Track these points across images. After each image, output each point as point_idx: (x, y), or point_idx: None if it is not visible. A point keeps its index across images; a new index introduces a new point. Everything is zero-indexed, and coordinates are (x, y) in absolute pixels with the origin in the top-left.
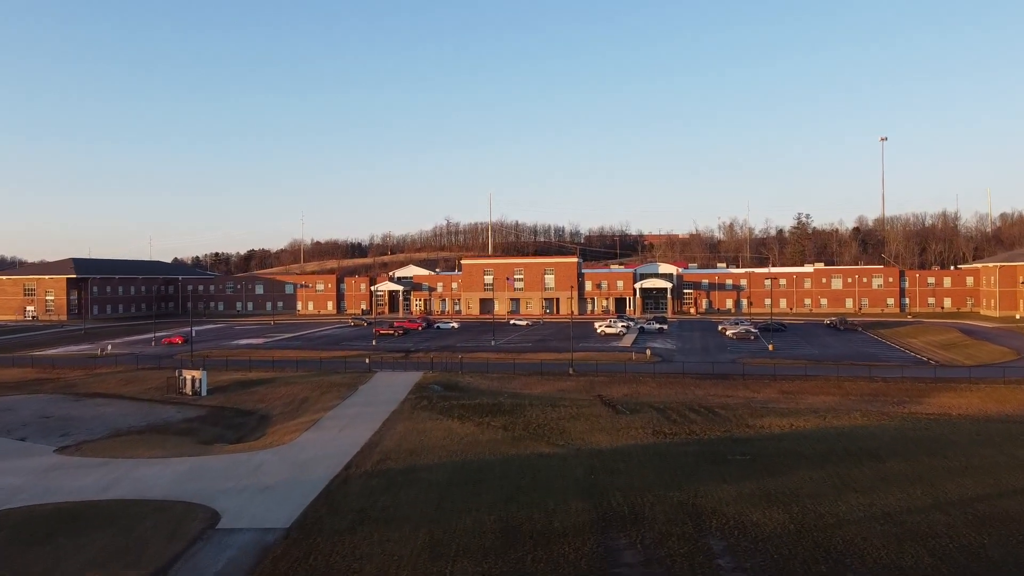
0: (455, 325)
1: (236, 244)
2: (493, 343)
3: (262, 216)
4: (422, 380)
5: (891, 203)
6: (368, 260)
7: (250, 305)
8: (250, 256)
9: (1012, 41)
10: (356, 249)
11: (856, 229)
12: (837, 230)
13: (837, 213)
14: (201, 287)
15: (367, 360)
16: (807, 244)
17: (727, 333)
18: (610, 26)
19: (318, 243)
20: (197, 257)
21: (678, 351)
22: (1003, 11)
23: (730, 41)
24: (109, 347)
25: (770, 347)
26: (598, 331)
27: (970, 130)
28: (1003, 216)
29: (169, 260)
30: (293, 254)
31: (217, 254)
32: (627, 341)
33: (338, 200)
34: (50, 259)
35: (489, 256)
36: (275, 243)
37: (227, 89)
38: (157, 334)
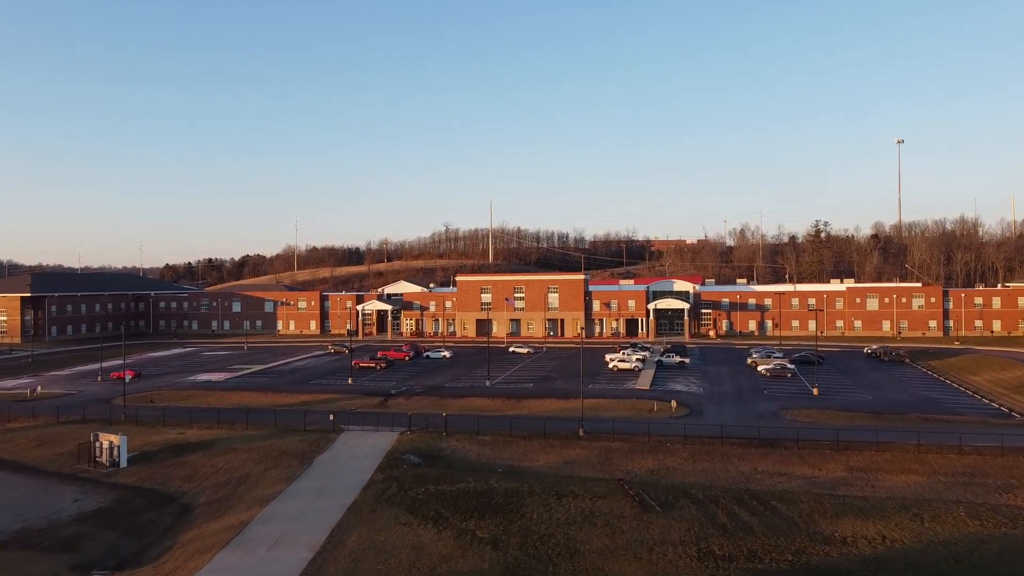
0: (447, 354)
1: (230, 250)
2: (488, 383)
3: (258, 221)
4: (396, 446)
5: (907, 208)
6: (362, 268)
7: (226, 324)
8: (244, 263)
9: None
10: (353, 255)
11: (875, 236)
12: (853, 237)
13: (852, 218)
14: (174, 304)
15: (332, 416)
16: (825, 253)
17: (759, 369)
18: (613, 27)
19: (314, 248)
20: (190, 263)
21: (706, 396)
22: (1015, 12)
23: (737, 41)
24: (39, 388)
25: (814, 391)
26: (610, 365)
27: (989, 133)
28: None
29: (161, 266)
30: (287, 260)
31: (211, 260)
32: (644, 380)
33: (336, 205)
34: (45, 264)
35: (487, 273)
36: (271, 248)
37: (220, 92)
38: (104, 364)
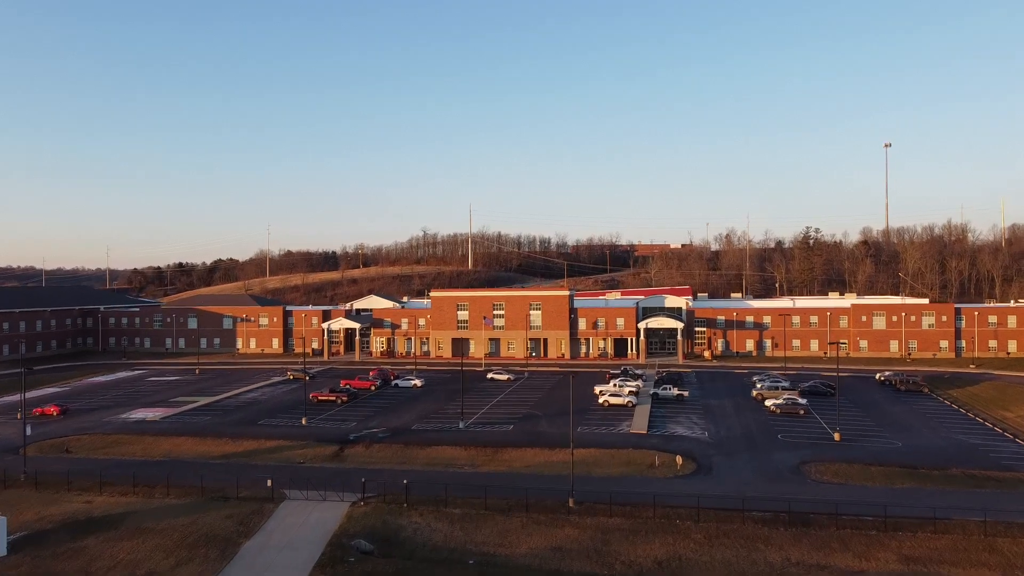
0: (418, 383)
1: (204, 253)
2: (462, 423)
3: (233, 224)
4: (345, 525)
5: (894, 212)
6: (336, 275)
7: (181, 342)
8: (215, 268)
9: (1014, 46)
10: (328, 260)
11: (864, 243)
12: (841, 242)
13: (839, 222)
14: (125, 320)
15: (269, 482)
16: (816, 261)
17: (767, 404)
18: (596, 31)
19: (289, 253)
20: (159, 267)
21: (713, 444)
22: (998, 16)
23: (721, 44)
24: None
25: (836, 436)
26: (600, 400)
27: (975, 137)
28: (1015, 227)
29: (130, 269)
30: (259, 266)
31: (181, 264)
32: (640, 421)
33: (312, 209)
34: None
35: (464, 288)
36: (245, 252)
37: (190, 90)
38: (31, 395)
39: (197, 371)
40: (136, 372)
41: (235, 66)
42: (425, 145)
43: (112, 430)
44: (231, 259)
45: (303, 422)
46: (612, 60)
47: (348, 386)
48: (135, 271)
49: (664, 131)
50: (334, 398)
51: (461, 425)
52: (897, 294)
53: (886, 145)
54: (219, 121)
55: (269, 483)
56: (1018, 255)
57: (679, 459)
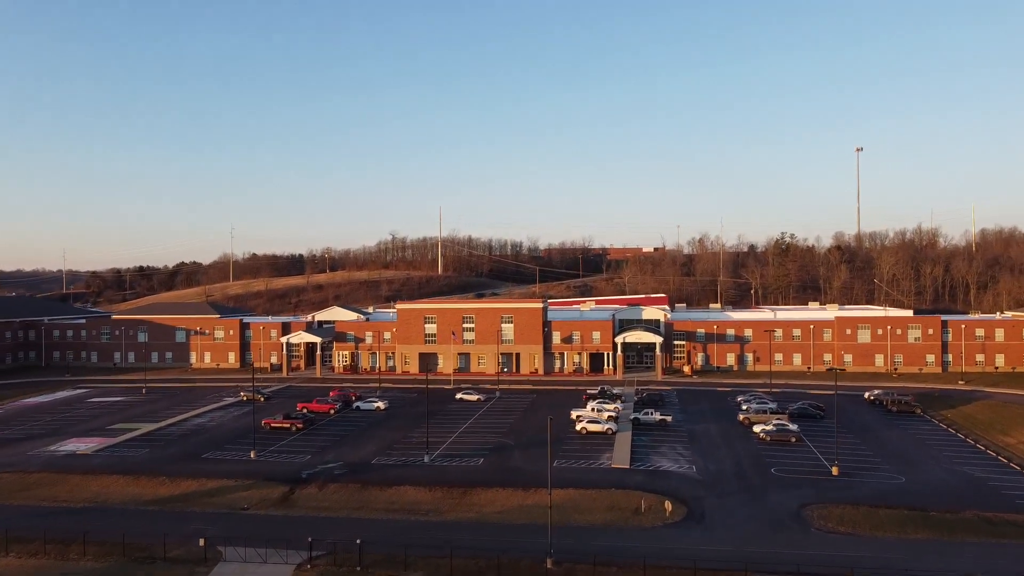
0: (381, 405)
1: (166, 256)
2: (427, 457)
3: (198, 225)
4: None
5: (866, 217)
6: (301, 280)
7: (131, 356)
8: (177, 272)
9: (982, 54)
10: (295, 263)
11: (838, 248)
12: (814, 247)
13: (812, 227)
14: (70, 333)
15: (202, 541)
16: (791, 267)
17: (755, 430)
18: (568, 31)
19: (254, 256)
20: (118, 270)
21: (703, 482)
22: (968, 24)
23: (694, 49)
24: None
25: (834, 470)
26: (577, 427)
27: (945, 142)
28: (984, 232)
29: (87, 272)
30: (223, 270)
31: (142, 268)
32: (622, 452)
33: (279, 211)
34: None
35: (432, 299)
36: (210, 255)
37: (155, 88)
38: None
39: (144, 390)
40: (78, 391)
41: (201, 65)
42: (394, 147)
43: (37, 466)
44: (194, 262)
45: (252, 455)
46: (583, 64)
47: (305, 410)
48: (93, 274)
49: (636, 134)
50: (288, 425)
51: (426, 459)
52: (873, 301)
53: (858, 149)
54: (187, 120)
55: (202, 542)
56: (991, 261)
57: (668, 504)
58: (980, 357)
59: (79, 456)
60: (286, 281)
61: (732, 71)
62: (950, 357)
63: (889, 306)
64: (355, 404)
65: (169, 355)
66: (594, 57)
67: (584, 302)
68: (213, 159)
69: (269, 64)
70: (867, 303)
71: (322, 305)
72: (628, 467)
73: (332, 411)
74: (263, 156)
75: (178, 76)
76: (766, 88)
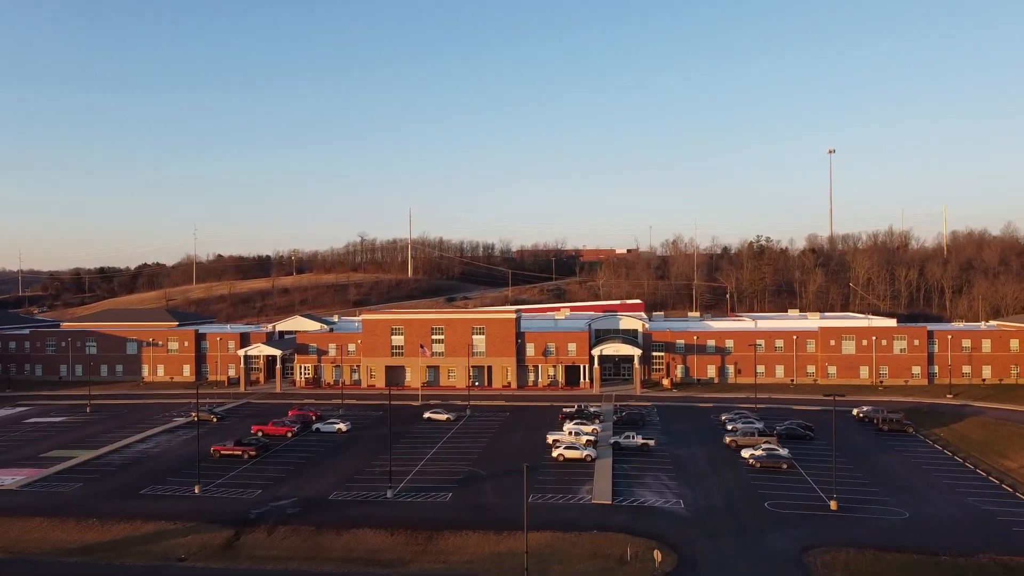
0: (343, 427)
1: (128, 257)
2: (390, 492)
3: (161, 225)
4: None
5: (838, 219)
6: (266, 283)
7: (78, 369)
8: (139, 274)
9: (948, 54)
10: (261, 264)
11: (812, 250)
12: (787, 249)
13: (785, 229)
14: (12, 344)
15: None
16: (767, 270)
17: (744, 455)
18: (542, 27)
19: (219, 257)
20: (78, 271)
21: (693, 520)
22: (940, 26)
23: (666, 51)
24: None
25: (832, 505)
26: (554, 453)
27: (916, 144)
28: (955, 235)
29: (45, 272)
30: (186, 272)
31: (103, 270)
32: (603, 485)
33: (245, 211)
34: None
35: (399, 308)
36: (174, 256)
37: (118, 84)
38: None
39: (88, 408)
40: (17, 410)
41: (166, 63)
42: (364, 147)
43: None
44: (158, 264)
45: (196, 490)
46: (556, 65)
47: (260, 433)
48: (51, 276)
49: (608, 134)
50: (240, 452)
51: (389, 495)
52: (849, 305)
53: (830, 151)
54: (153, 119)
55: None
56: (965, 265)
57: (658, 554)
58: (967, 368)
59: (3, 492)
60: (251, 284)
61: (705, 73)
62: (936, 369)
63: (866, 311)
64: (315, 426)
65: (120, 368)
66: (567, 58)
67: (559, 309)
68: (180, 157)
69: (235, 64)
70: (843, 308)
71: (287, 310)
72: (610, 503)
73: (289, 434)
74: (230, 155)
75: (143, 75)
76: (738, 90)
